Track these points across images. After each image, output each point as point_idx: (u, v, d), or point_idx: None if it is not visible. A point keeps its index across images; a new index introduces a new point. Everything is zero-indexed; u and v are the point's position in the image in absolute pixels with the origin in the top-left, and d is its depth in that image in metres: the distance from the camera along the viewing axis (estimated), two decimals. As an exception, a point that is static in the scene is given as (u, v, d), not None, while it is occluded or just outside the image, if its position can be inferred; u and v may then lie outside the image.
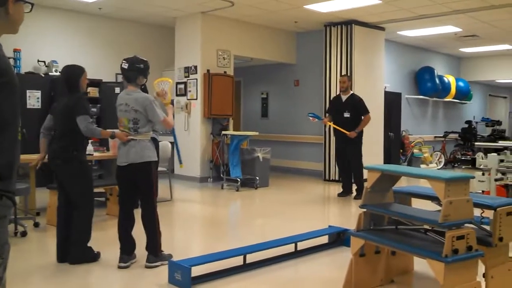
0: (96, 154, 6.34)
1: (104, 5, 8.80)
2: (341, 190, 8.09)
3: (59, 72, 8.36)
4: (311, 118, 8.21)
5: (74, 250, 4.16)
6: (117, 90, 8.35)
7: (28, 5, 1.86)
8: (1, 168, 1.67)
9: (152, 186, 4.13)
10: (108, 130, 4.30)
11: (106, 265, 4.17)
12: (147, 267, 4.06)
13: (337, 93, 8.46)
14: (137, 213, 4.20)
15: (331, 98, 8.76)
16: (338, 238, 4.92)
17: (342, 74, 9.06)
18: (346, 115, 7.75)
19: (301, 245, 4.61)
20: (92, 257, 4.22)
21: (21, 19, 1.85)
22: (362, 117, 7.73)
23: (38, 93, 8.02)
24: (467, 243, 2.97)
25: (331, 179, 9.83)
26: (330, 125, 8.20)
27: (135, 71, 4.08)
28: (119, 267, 4.09)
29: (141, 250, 4.20)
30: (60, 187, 4.34)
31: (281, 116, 11.59)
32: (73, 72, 4.22)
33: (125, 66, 4.10)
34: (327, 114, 8.40)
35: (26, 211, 5.80)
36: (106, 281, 3.91)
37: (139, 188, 4.14)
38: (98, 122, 8.07)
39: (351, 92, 8.00)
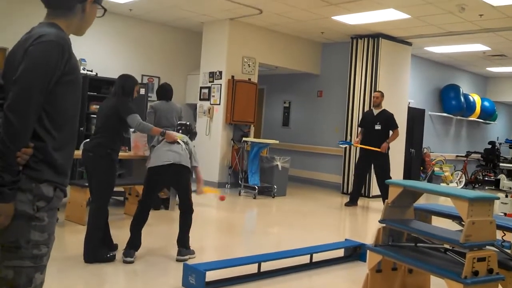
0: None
1: (135, 6, 8.93)
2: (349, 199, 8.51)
3: (87, 70, 8.51)
4: (341, 146, 8.76)
5: (88, 248, 4.17)
6: (142, 91, 8.43)
7: (101, 10, 1.91)
8: (59, 163, 1.75)
9: (190, 186, 4.43)
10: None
11: (121, 264, 4.19)
12: (178, 260, 4.24)
13: (370, 108, 8.83)
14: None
15: (363, 113, 9.09)
16: (355, 252, 4.87)
17: (377, 90, 9.10)
18: (377, 127, 8.08)
19: (317, 257, 4.58)
20: (105, 258, 4.21)
21: (91, 22, 1.91)
22: (391, 132, 8.07)
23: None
24: (488, 266, 2.91)
25: (349, 192, 9.75)
26: (360, 146, 8.36)
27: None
28: (125, 262, 4.18)
29: (146, 251, 4.20)
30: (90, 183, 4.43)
31: (302, 126, 11.56)
32: (130, 81, 4.47)
33: None
34: (359, 129, 8.60)
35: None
36: (119, 280, 3.94)
37: (176, 188, 4.53)
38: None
39: (383, 107, 8.26)
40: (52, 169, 1.73)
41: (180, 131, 4.68)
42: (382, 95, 8.29)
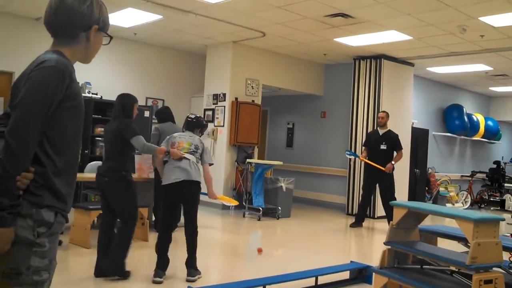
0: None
1: (139, 30, 9.04)
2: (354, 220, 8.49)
3: (92, 93, 8.59)
4: (348, 156, 8.92)
5: (111, 262, 4.22)
6: (146, 114, 8.49)
7: (107, 38, 1.93)
8: (59, 188, 1.75)
9: (198, 205, 4.47)
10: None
11: (126, 285, 4.17)
12: (189, 280, 4.26)
13: (374, 128, 9.07)
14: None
15: (368, 133, 9.22)
16: (360, 274, 4.82)
17: (381, 110, 9.14)
18: (383, 147, 8.11)
19: (322, 280, 4.53)
20: (124, 273, 4.26)
21: (97, 50, 1.93)
22: (395, 152, 8.11)
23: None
24: (495, 288, 2.88)
25: (353, 213, 9.70)
26: (365, 161, 8.33)
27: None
28: (154, 282, 4.23)
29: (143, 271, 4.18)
30: (105, 206, 4.47)
31: (306, 147, 11.57)
32: (129, 100, 4.53)
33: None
34: (363, 148, 8.65)
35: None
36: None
37: (184, 205, 4.45)
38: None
39: (388, 128, 8.31)
40: (53, 194, 1.72)
41: (191, 124, 4.71)
42: (387, 115, 8.33)
